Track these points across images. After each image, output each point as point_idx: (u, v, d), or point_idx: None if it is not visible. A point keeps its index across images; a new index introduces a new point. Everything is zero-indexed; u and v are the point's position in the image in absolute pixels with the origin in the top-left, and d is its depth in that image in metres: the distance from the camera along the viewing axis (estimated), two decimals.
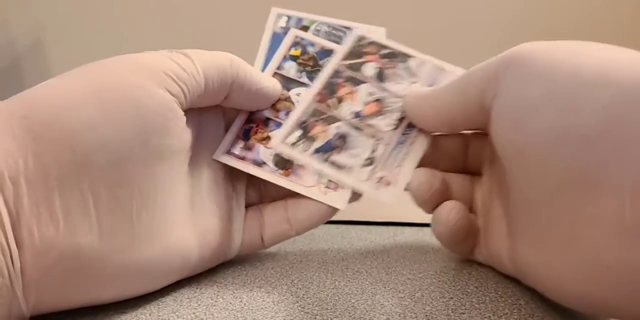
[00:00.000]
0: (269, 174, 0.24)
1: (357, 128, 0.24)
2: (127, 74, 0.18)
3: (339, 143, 0.24)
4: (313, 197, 0.23)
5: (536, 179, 0.17)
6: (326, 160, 0.24)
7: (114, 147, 0.17)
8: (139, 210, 0.18)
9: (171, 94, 0.19)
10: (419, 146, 0.24)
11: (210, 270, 0.23)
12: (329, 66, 0.26)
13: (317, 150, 0.24)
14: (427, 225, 0.30)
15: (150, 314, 0.19)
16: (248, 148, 0.24)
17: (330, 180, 0.24)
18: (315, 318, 0.19)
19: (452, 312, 0.20)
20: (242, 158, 0.24)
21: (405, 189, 0.23)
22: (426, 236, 0.29)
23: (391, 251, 0.26)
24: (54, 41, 0.85)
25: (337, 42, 0.27)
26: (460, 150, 0.25)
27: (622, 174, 0.14)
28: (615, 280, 0.15)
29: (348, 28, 0.27)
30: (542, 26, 0.65)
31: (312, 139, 0.24)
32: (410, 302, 0.21)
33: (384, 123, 0.24)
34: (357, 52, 0.26)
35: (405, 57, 0.26)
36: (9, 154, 0.16)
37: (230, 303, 0.20)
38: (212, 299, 0.21)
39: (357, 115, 0.25)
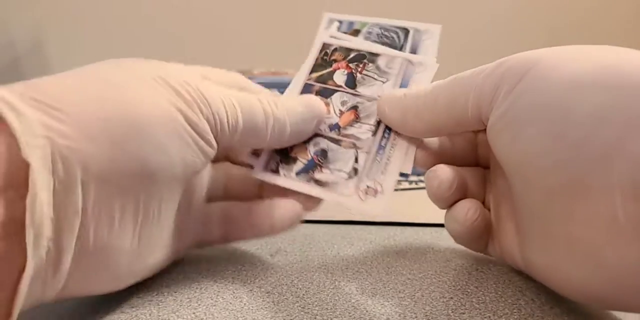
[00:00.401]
0: (307, 187, 0.23)
1: (336, 141, 0.24)
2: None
3: (321, 159, 0.24)
4: (353, 206, 0.23)
5: (533, 184, 0.18)
6: (310, 180, 0.23)
7: (178, 167, 0.19)
8: (158, 220, 0.19)
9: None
10: (400, 149, 0.24)
11: (210, 269, 0.23)
12: (298, 82, 0.25)
13: (300, 172, 0.23)
14: (426, 225, 0.30)
15: (150, 314, 0.19)
16: (287, 163, 0.24)
17: (368, 186, 0.23)
18: (315, 318, 0.19)
19: (452, 312, 0.20)
20: (278, 172, 0.24)
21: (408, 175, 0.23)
22: (426, 236, 0.29)
23: (391, 251, 0.26)
24: (54, 41, 0.85)
25: (390, 44, 0.26)
26: (471, 145, 0.25)
27: (611, 175, 0.15)
28: (617, 277, 0.16)
29: (402, 28, 0.26)
30: (541, 25, 0.65)
31: (294, 160, 0.24)
32: (410, 302, 0.21)
33: (362, 130, 0.24)
34: (325, 62, 0.25)
35: (373, 56, 0.25)
36: (88, 156, 0.16)
37: (231, 303, 0.20)
38: (212, 299, 0.21)
39: (335, 127, 0.24)
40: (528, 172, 0.18)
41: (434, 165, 0.23)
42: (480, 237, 0.23)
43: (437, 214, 0.32)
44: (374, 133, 0.24)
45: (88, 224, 0.16)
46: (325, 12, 0.27)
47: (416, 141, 0.24)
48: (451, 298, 0.21)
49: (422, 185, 0.39)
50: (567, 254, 0.17)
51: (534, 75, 0.17)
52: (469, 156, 0.25)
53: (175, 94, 0.18)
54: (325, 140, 0.24)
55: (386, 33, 0.26)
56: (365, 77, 0.25)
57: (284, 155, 0.24)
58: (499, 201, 0.23)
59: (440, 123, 0.22)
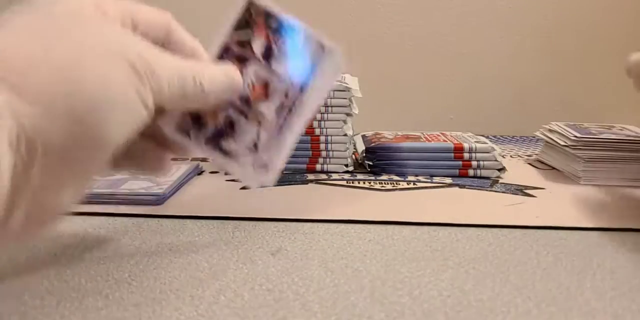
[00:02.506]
0: (212, 154, 0.25)
1: (245, 114, 0.25)
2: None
3: (229, 130, 0.25)
4: (248, 176, 0.25)
5: None
6: (216, 147, 0.25)
7: (125, 136, 0.20)
8: (90, 177, 0.21)
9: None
10: (293, 133, 0.26)
11: (212, 268, 0.24)
12: (219, 41, 0.25)
13: (209, 138, 0.25)
14: (423, 224, 0.31)
15: (153, 312, 0.20)
16: (198, 127, 0.25)
17: (264, 162, 0.25)
18: (315, 315, 0.20)
19: (450, 309, 0.20)
20: (189, 136, 0.25)
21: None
22: (424, 235, 0.29)
23: (389, 250, 0.27)
24: None
25: None
26: None
27: None
28: None
29: None
30: (542, 23, 0.66)
31: (204, 125, 0.25)
32: (409, 299, 0.21)
33: (268, 109, 0.26)
34: (247, 22, 0.26)
35: (292, 31, 0.26)
36: (50, 133, 0.18)
37: (232, 301, 0.21)
38: (214, 297, 0.21)
39: (246, 99, 0.25)
40: None
41: None
42: None
43: (435, 214, 0.32)
44: (278, 114, 0.26)
45: (40, 192, 0.18)
46: None
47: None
48: (449, 296, 0.21)
49: (420, 185, 0.40)
50: None
51: None
52: None
53: (131, 69, 0.20)
54: (236, 112, 0.25)
55: None
56: (280, 51, 0.26)
57: (195, 118, 0.25)
58: None
59: None
